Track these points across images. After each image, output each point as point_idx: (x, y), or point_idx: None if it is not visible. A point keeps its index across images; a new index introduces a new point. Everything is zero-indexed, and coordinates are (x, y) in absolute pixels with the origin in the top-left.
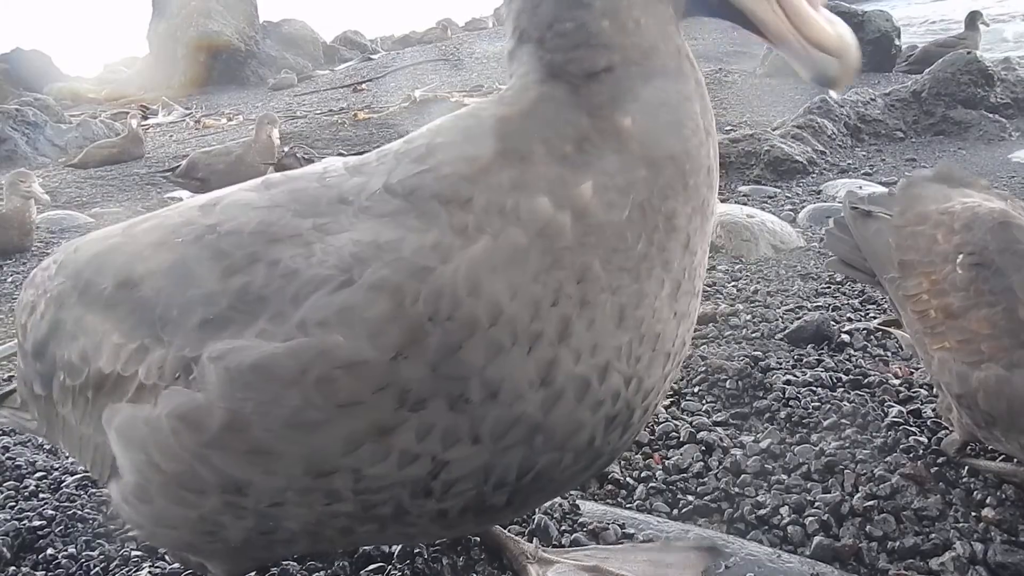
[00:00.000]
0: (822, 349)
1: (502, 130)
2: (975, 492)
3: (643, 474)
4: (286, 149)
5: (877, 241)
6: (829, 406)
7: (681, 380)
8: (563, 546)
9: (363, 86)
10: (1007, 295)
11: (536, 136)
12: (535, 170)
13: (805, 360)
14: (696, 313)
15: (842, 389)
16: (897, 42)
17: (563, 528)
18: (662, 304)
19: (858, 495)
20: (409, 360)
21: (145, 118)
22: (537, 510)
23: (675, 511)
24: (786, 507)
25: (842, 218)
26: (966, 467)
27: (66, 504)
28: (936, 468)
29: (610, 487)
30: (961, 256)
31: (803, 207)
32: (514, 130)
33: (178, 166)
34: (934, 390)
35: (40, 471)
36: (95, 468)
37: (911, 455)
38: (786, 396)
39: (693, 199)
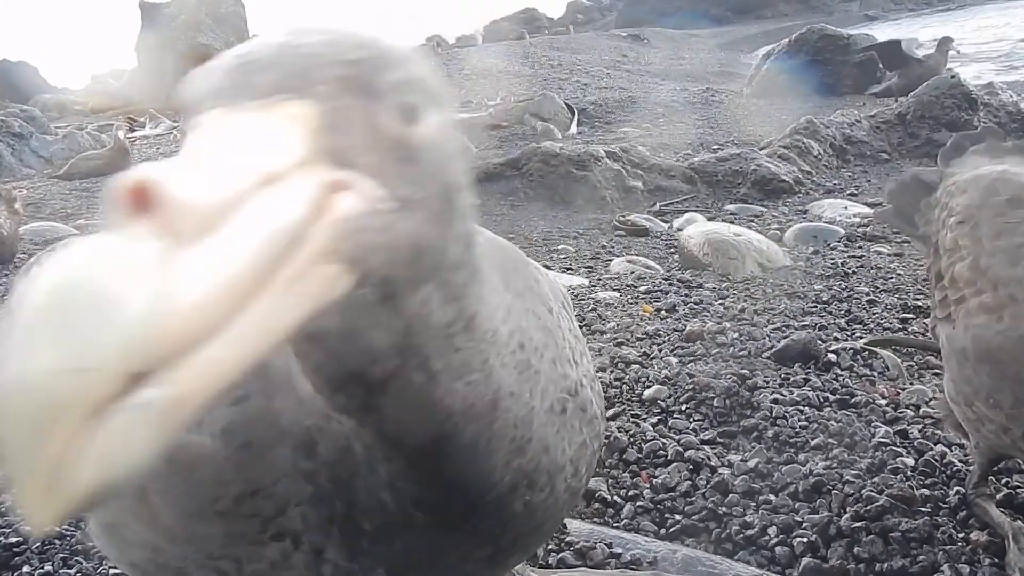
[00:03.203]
0: (809, 368)
1: None
2: (962, 514)
3: (630, 492)
4: None
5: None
6: (816, 426)
7: (668, 398)
8: (550, 565)
9: None
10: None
11: None
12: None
13: (792, 379)
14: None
15: (829, 409)
16: (881, 65)
17: (549, 547)
18: None
19: (846, 516)
20: (264, 500)
21: (132, 130)
22: None
23: (662, 530)
24: (774, 527)
25: (918, 174)
26: (966, 500)
27: None
28: (923, 489)
29: (597, 506)
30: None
31: (789, 226)
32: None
33: None
34: (939, 406)
35: None
36: None
37: (899, 476)
38: (773, 415)
39: None
